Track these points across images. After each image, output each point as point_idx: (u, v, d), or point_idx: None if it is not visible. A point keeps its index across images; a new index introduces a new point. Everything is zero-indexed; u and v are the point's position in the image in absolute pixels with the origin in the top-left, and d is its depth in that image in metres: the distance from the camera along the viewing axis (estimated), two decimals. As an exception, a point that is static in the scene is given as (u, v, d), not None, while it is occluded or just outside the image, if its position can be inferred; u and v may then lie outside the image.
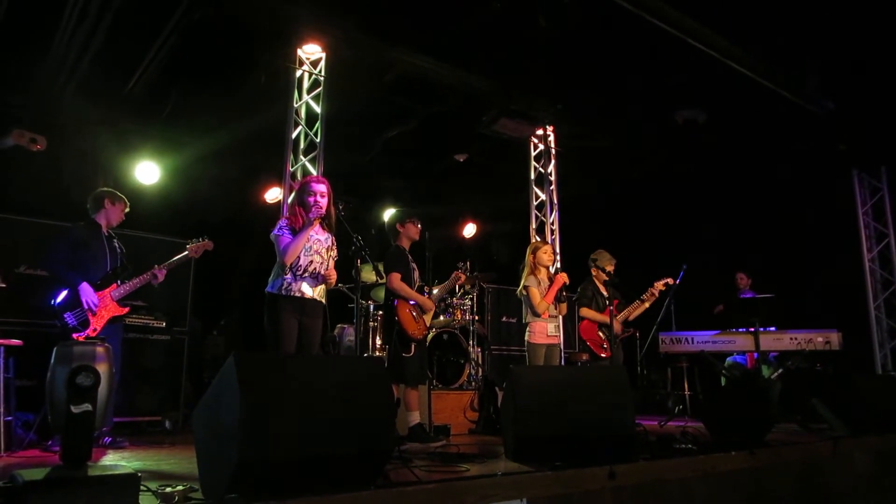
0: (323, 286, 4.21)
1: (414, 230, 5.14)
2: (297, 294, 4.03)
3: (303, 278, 4.06)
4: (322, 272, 4.17)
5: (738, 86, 6.83)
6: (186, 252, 4.92)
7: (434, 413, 5.40)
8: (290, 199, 4.58)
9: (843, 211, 9.01)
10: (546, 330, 5.50)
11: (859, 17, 5.96)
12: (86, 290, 4.43)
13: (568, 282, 5.69)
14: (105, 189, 4.96)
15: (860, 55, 6.59)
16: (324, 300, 4.22)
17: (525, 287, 5.58)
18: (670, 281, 6.03)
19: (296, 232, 4.06)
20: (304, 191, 4.22)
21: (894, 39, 6.22)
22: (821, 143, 8.27)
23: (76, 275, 4.46)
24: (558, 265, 8.31)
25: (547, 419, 3.36)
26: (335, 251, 4.32)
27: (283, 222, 4.14)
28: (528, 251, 5.75)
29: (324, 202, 4.15)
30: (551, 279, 5.61)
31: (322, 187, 4.19)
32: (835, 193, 9.06)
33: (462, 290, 7.14)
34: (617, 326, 5.92)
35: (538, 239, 8.24)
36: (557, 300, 5.61)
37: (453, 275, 5.34)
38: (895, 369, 8.57)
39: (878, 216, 9.06)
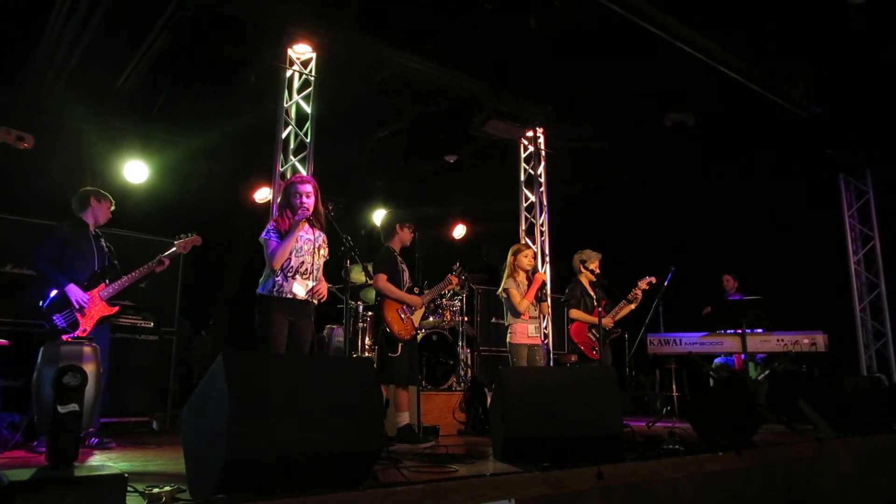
0: (313, 284, 4.17)
1: (408, 236, 5.22)
2: (289, 295, 4.01)
3: (294, 279, 4.04)
4: (314, 273, 4.14)
5: (728, 89, 6.88)
6: (175, 248, 4.89)
7: (423, 414, 5.40)
8: (277, 201, 4.56)
9: (829, 214, 9.10)
10: (527, 331, 5.52)
11: (847, 22, 6.01)
12: (73, 289, 4.40)
13: (546, 280, 5.71)
14: (90, 188, 4.92)
15: (847, 60, 6.66)
16: (315, 301, 4.20)
17: (505, 289, 5.62)
18: (653, 279, 6.06)
19: (283, 235, 4.04)
20: (289, 192, 4.20)
21: (880, 45, 6.29)
22: (808, 147, 8.35)
23: (63, 275, 4.42)
24: (542, 265, 8.34)
25: (535, 420, 3.37)
26: (326, 250, 4.30)
27: (270, 225, 4.12)
28: (509, 252, 5.77)
29: (310, 202, 4.13)
30: (530, 280, 5.64)
31: (307, 187, 4.17)
32: (821, 196, 9.15)
33: (451, 292, 7.15)
34: (608, 321, 5.95)
35: (525, 241, 8.26)
36: (538, 300, 5.63)
37: (447, 278, 5.35)
38: (880, 371, 8.65)
39: (863, 219, 9.16)
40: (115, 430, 5.22)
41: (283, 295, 4.00)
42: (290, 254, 4.04)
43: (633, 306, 6.01)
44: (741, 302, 7.12)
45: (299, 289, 4.05)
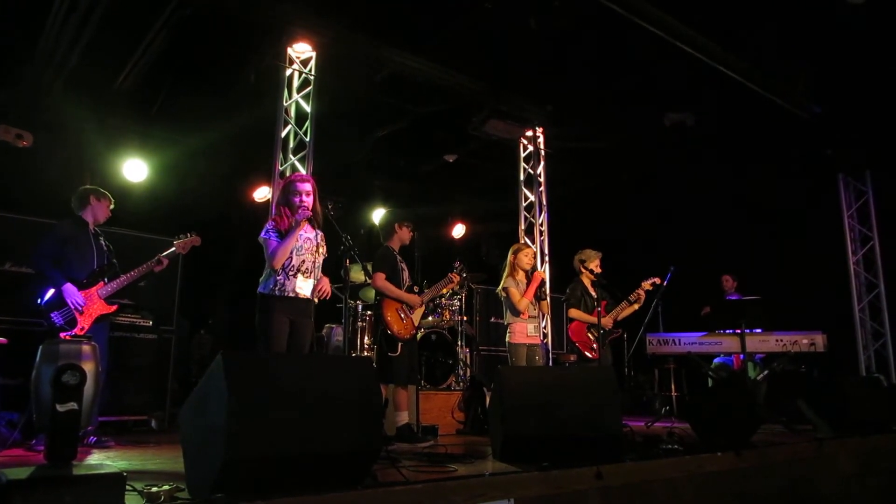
0: (313, 282, 4.16)
1: (407, 235, 5.23)
2: (291, 294, 4.00)
3: (295, 278, 4.03)
4: (315, 272, 4.14)
5: (728, 89, 6.88)
6: (174, 248, 4.88)
7: (422, 413, 5.39)
8: (276, 200, 4.55)
9: (828, 214, 9.11)
10: (526, 330, 5.53)
11: (847, 23, 6.02)
12: (69, 290, 4.38)
13: (545, 278, 5.71)
14: (89, 186, 4.91)
15: (848, 60, 6.65)
16: (316, 299, 4.19)
17: (504, 288, 5.62)
18: (657, 280, 6.06)
19: (283, 234, 4.03)
20: (288, 190, 4.18)
21: (881, 45, 6.29)
22: (808, 147, 8.35)
23: (60, 274, 4.41)
24: (542, 265, 8.34)
25: (534, 420, 3.37)
26: (324, 248, 4.29)
27: (269, 225, 4.10)
28: (509, 252, 5.78)
29: (309, 201, 4.13)
30: (529, 279, 5.64)
31: (307, 186, 4.16)
32: (821, 197, 9.16)
33: (451, 291, 7.14)
34: (608, 321, 5.94)
35: (525, 241, 8.26)
36: (538, 298, 5.63)
37: (447, 276, 5.36)
38: (879, 371, 8.66)
39: (862, 220, 9.16)
40: (114, 429, 5.22)
41: (286, 293, 3.99)
42: (291, 253, 4.03)
43: (635, 307, 6.00)
44: (740, 302, 7.13)
45: (301, 287, 4.05)
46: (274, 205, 4.62)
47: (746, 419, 4.29)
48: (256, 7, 6.04)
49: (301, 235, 4.10)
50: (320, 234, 4.28)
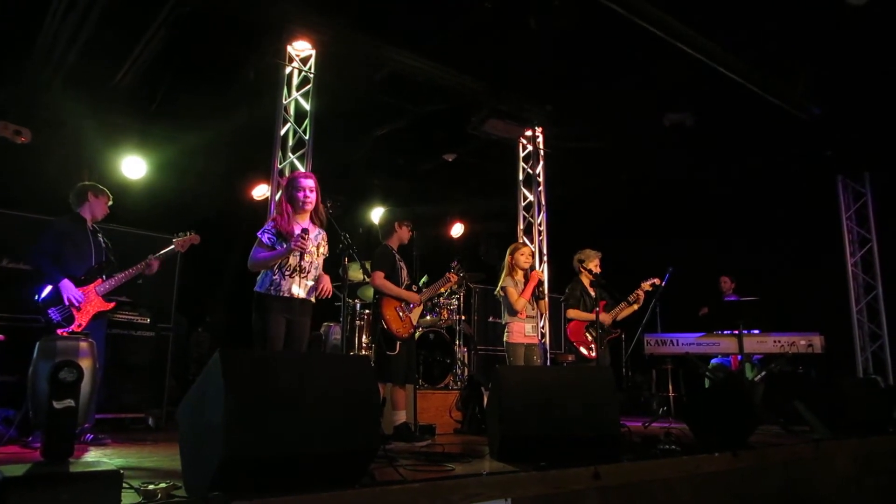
0: (312, 283, 4.14)
1: (406, 234, 5.22)
2: (287, 294, 3.97)
3: (292, 278, 4.01)
4: (312, 272, 4.12)
5: (728, 90, 6.88)
6: (173, 246, 4.86)
7: (419, 412, 5.39)
8: (277, 196, 4.54)
9: (827, 216, 9.12)
10: (524, 330, 5.52)
11: (848, 24, 6.02)
12: (67, 286, 4.37)
13: (543, 279, 5.70)
14: (87, 183, 4.90)
15: (848, 62, 6.66)
16: (313, 299, 4.17)
17: (503, 288, 5.62)
18: (657, 281, 6.06)
19: (280, 235, 4.01)
20: (291, 186, 4.17)
21: (881, 47, 6.29)
22: (807, 148, 8.36)
23: (58, 270, 4.40)
24: (540, 265, 8.34)
25: (532, 419, 3.37)
26: (325, 247, 4.27)
27: (269, 224, 4.08)
28: (507, 251, 5.78)
29: (313, 197, 4.13)
30: (527, 279, 5.64)
31: (310, 182, 4.16)
32: (819, 198, 9.17)
33: (449, 290, 7.14)
34: (607, 318, 5.94)
35: (523, 240, 8.26)
36: (536, 298, 5.62)
37: (445, 276, 5.35)
38: (876, 372, 8.67)
39: (861, 221, 9.18)
40: (111, 427, 5.21)
41: (281, 293, 3.97)
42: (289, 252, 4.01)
43: (634, 308, 6.00)
44: (738, 303, 7.14)
45: (297, 288, 4.02)
46: (273, 202, 4.60)
47: (744, 420, 4.29)
48: (256, 6, 6.03)
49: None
50: (322, 233, 4.26)
